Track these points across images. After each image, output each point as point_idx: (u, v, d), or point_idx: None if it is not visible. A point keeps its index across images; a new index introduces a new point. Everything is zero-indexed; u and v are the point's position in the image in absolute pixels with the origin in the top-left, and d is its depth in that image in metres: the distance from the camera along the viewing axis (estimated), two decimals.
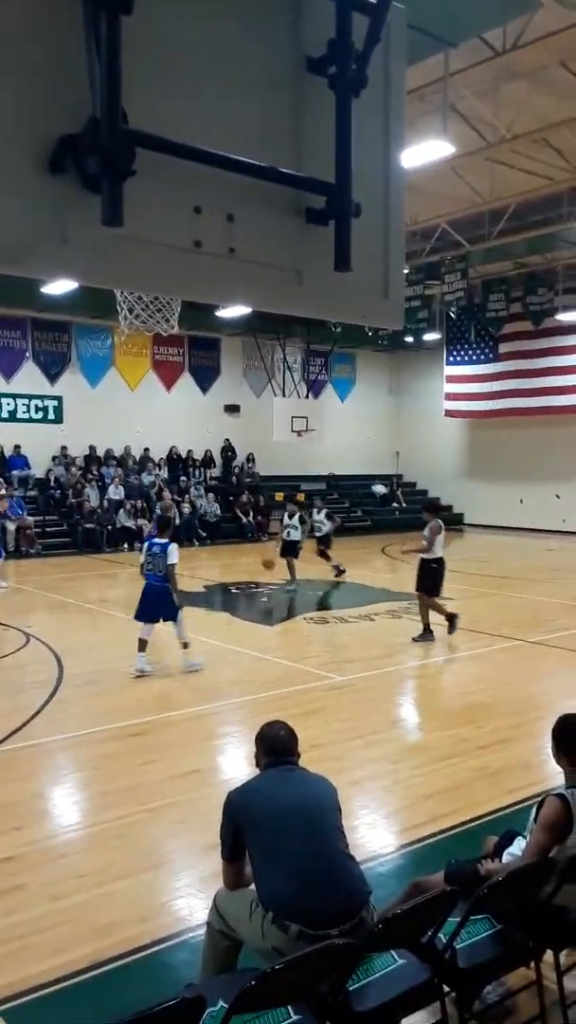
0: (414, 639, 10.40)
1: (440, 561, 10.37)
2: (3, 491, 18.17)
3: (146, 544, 9.11)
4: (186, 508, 22.20)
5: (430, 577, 10.36)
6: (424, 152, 10.61)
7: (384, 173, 2.60)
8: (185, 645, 8.93)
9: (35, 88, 1.95)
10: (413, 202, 15.46)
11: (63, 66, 1.97)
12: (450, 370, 26.61)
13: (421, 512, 11.42)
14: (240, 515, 23.38)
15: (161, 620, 8.87)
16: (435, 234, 18.70)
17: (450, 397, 26.69)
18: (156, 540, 8.90)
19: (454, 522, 27.16)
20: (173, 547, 8.71)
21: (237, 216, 2.27)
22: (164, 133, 2.05)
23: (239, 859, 3.06)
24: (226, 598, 14.20)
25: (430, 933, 2.97)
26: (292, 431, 20.60)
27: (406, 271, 18.33)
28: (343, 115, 2.32)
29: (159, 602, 8.75)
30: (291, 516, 14.75)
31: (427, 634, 10.38)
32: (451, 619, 10.41)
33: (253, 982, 2.20)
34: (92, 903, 4.31)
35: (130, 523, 21.25)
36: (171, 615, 8.81)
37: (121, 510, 21.41)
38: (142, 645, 8.80)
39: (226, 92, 2.24)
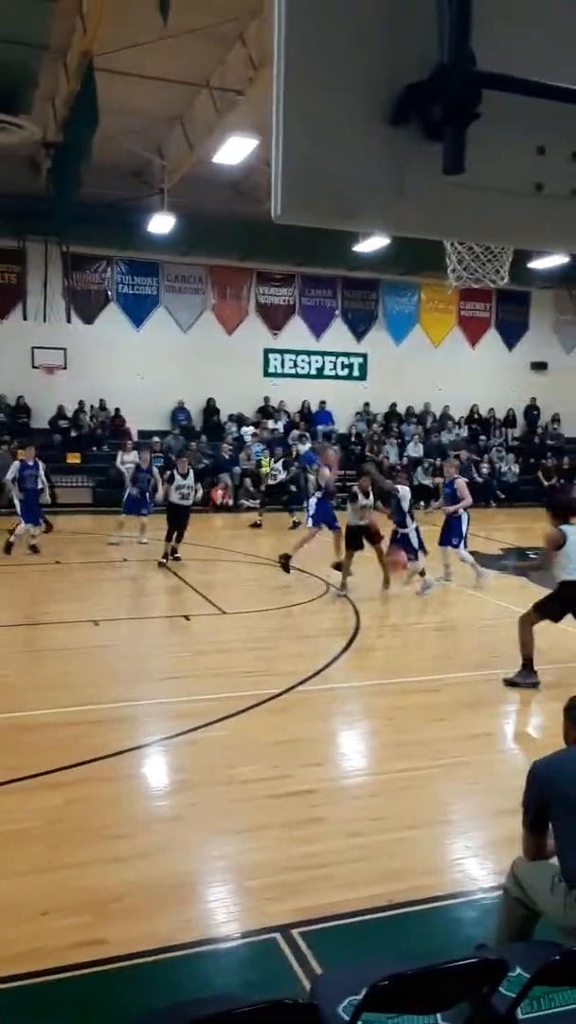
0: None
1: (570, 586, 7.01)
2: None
3: None
4: (484, 468, 21.77)
5: (554, 601, 7.19)
6: None
7: None
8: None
9: (383, 38, 1.94)
10: None
11: (410, 13, 1.94)
12: None
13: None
14: (542, 478, 22.42)
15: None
16: None
17: None
18: None
19: None
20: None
21: None
22: (512, 71, 1.94)
23: (541, 831, 2.98)
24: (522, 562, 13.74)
25: None
26: None
27: None
28: None
29: None
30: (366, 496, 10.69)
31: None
32: None
33: (558, 957, 2.13)
34: (384, 846, 4.45)
35: (427, 481, 21.27)
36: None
37: (419, 467, 21.50)
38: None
39: None
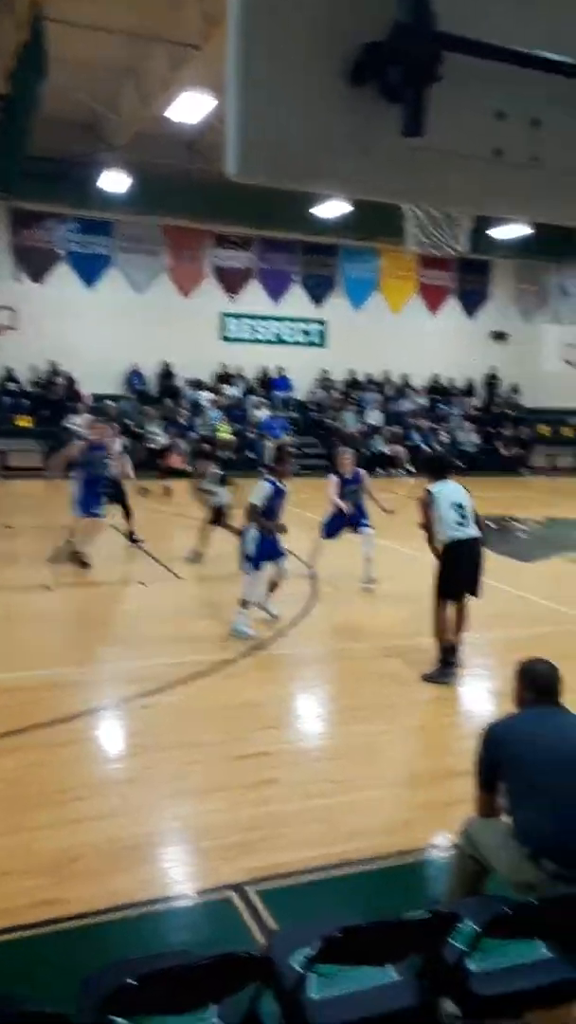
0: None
1: (457, 547, 6.51)
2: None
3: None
4: (444, 437, 21.94)
5: (442, 572, 6.62)
6: None
7: None
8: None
9: None
10: None
11: None
12: None
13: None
14: (500, 448, 22.67)
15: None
16: None
17: None
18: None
19: None
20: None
21: (544, 120, 2.10)
22: (473, 34, 1.92)
23: (493, 790, 3.06)
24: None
25: None
26: (563, 361, 19.46)
27: None
28: None
29: None
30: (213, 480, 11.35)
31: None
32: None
33: (508, 911, 2.20)
34: (340, 807, 4.52)
35: (386, 449, 21.38)
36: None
37: (378, 435, 21.57)
38: None
39: None
